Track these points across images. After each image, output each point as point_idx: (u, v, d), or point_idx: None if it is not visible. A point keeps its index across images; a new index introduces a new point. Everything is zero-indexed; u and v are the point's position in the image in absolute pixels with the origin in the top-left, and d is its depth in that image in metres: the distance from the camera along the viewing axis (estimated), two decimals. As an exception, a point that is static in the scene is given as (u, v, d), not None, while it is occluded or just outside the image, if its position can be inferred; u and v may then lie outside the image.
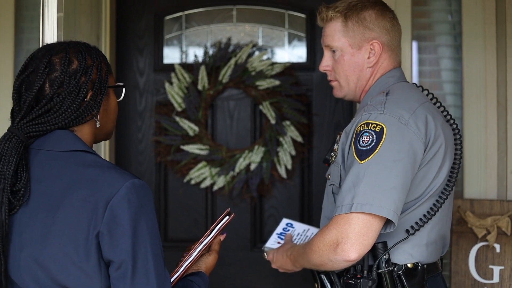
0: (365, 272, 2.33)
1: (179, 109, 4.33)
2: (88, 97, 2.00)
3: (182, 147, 4.32)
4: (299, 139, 4.30)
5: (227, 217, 2.19)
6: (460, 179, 3.96)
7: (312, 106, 4.39)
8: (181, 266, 2.12)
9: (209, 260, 2.24)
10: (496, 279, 3.55)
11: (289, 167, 4.31)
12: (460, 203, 3.70)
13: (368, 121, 2.28)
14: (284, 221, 2.93)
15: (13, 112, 1.99)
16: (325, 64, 2.59)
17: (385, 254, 2.32)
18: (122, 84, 2.17)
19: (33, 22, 4.01)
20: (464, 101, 3.93)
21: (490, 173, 3.88)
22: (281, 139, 4.28)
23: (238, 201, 4.37)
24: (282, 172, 4.30)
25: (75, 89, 1.96)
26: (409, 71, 3.95)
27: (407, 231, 2.34)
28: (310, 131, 4.37)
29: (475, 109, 3.90)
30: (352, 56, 2.52)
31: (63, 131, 1.97)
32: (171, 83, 4.34)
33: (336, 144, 2.51)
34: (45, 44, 2.09)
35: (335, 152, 2.49)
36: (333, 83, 2.61)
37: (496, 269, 3.56)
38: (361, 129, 2.28)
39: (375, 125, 2.26)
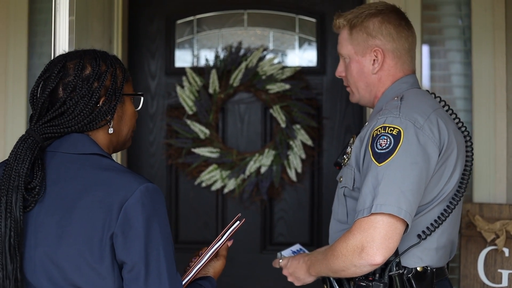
0: (377, 275, 2.34)
1: (190, 112, 4.35)
2: (101, 102, 2.03)
3: (193, 150, 4.34)
4: (309, 142, 4.31)
5: (238, 222, 2.21)
6: (470, 183, 3.96)
7: (322, 110, 4.40)
8: (192, 270, 2.14)
9: (217, 265, 2.26)
10: (505, 283, 3.55)
11: (299, 170, 4.32)
12: (469, 207, 3.70)
13: (384, 125, 2.32)
14: (297, 246, 2.91)
15: (31, 116, 2.04)
16: (340, 70, 2.67)
17: (397, 258, 2.34)
18: (140, 93, 2.20)
19: (46, 25, 4.04)
20: (473, 106, 3.93)
21: (499, 177, 3.88)
22: (291, 142, 4.30)
23: (248, 204, 4.38)
24: (292, 175, 4.32)
25: (88, 93, 2.00)
26: (420, 76, 3.96)
27: (419, 236, 2.37)
28: (320, 134, 4.38)
29: (485, 113, 3.91)
30: (358, 63, 2.58)
31: (79, 134, 2.01)
32: (182, 87, 4.36)
33: (349, 147, 2.54)
34: (64, 52, 2.14)
35: (348, 155, 2.52)
36: (348, 89, 2.69)
37: (505, 273, 3.56)
38: (378, 133, 2.31)
39: (392, 128, 2.29)
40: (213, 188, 4.37)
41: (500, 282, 3.56)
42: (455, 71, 4.10)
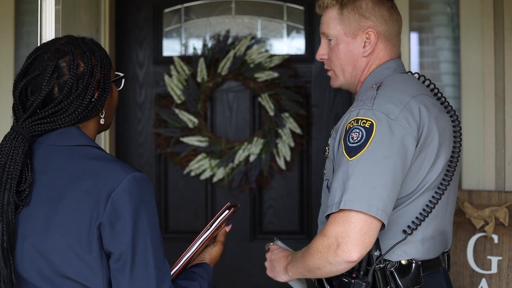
0: (361, 272, 2.25)
1: (178, 101, 4.34)
2: (95, 96, 2.01)
3: (181, 139, 4.34)
4: (298, 130, 4.31)
5: (227, 211, 2.20)
6: (459, 170, 3.97)
7: (310, 97, 4.40)
8: (181, 259, 2.13)
9: (214, 251, 2.24)
10: (494, 269, 3.56)
11: (288, 158, 4.32)
12: (458, 194, 3.70)
13: (357, 117, 2.23)
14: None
15: (15, 111, 1.99)
16: (321, 52, 2.54)
17: (376, 251, 2.24)
18: (122, 75, 2.17)
19: (33, 15, 4.01)
20: (462, 93, 3.94)
21: (488, 164, 3.89)
22: (280, 131, 4.30)
23: (238, 193, 4.38)
24: (281, 163, 4.32)
25: (83, 91, 1.98)
26: (408, 63, 3.96)
27: (404, 231, 2.28)
28: (309, 122, 4.38)
29: (473, 100, 3.91)
30: (347, 45, 2.45)
31: (67, 127, 1.99)
32: (170, 76, 4.35)
33: (330, 139, 2.46)
34: (46, 42, 2.07)
35: (328, 147, 2.44)
36: (329, 73, 2.56)
37: (494, 260, 3.57)
38: (351, 126, 2.23)
39: (365, 121, 2.20)
40: (202, 177, 4.37)
41: (490, 269, 3.57)
42: (444, 58, 4.11)
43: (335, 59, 2.49)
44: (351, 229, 2.10)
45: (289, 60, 4.36)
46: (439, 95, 2.45)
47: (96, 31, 4.08)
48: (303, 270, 2.32)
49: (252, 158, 4.29)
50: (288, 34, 4.43)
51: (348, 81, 2.51)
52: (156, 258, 1.90)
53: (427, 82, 2.47)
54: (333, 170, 2.30)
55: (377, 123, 2.18)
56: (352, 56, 2.46)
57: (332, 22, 2.47)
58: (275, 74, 4.29)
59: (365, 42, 2.43)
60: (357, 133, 2.19)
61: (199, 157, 4.34)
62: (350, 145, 2.18)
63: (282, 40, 4.44)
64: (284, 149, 4.31)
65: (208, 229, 2.18)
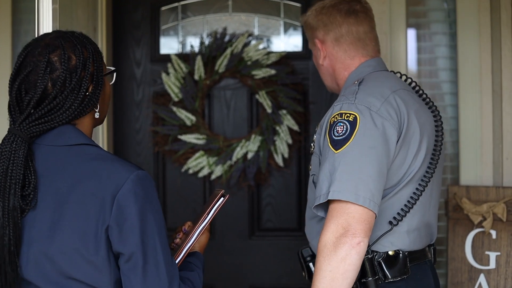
0: None
1: (176, 99, 4.34)
2: (90, 90, 2.00)
3: (179, 137, 4.33)
4: (296, 127, 4.31)
5: (222, 198, 2.20)
6: (456, 166, 3.98)
7: (308, 94, 4.40)
8: (181, 251, 2.15)
9: (202, 239, 2.27)
10: (492, 265, 3.57)
11: (286, 155, 4.32)
12: (456, 189, 3.72)
13: (341, 111, 2.34)
14: None
15: (11, 113, 1.98)
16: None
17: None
18: (113, 69, 2.16)
19: (31, 13, 4.01)
20: (459, 89, 3.94)
21: (485, 160, 3.89)
22: (277, 128, 4.30)
23: (236, 190, 4.38)
24: (279, 160, 4.32)
25: (77, 85, 1.96)
26: (404, 59, 3.97)
27: (390, 222, 2.37)
28: (306, 119, 4.38)
29: (471, 96, 3.91)
30: (314, 56, 2.72)
31: (63, 126, 1.97)
32: (167, 74, 4.35)
33: (315, 135, 2.55)
34: (36, 38, 2.06)
35: (314, 143, 2.54)
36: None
37: (493, 255, 3.58)
38: (335, 120, 2.33)
39: (348, 115, 2.31)
40: (200, 174, 4.37)
41: (488, 264, 3.58)
42: (441, 54, 4.11)
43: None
44: (350, 218, 2.19)
45: (287, 57, 4.35)
46: (421, 92, 2.57)
47: (93, 29, 4.08)
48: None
49: (250, 155, 4.29)
50: (285, 31, 4.43)
51: (329, 85, 2.75)
52: (165, 254, 1.92)
53: (409, 80, 2.59)
54: (319, 164, 2.38)
55: (360, 116, 2.29)
56: (318, 65, 2.71)
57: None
58: (273, 71, 4.29)
59: (319, 50, 2.66)
60: (342, 127, 2.29)
61: (197, 154, 4.34)
62: (335, 138, 2.29)
63: (279, 37, 4.44)
64: (282, 146, 4.31)
65: (206, 218, 2.19)
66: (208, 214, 2.19)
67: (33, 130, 1.94)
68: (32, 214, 1.90)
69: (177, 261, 2.11)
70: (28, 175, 1.90)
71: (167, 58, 4.40)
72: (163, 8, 4.46)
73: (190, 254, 2.19)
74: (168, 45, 4.48)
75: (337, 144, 2.27)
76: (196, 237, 2.17)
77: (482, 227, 3.60)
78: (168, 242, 1.96)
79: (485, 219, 3.59)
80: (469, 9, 3.91)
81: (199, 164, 4.35)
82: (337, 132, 2.29)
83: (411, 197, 2.40)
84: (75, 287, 1.90)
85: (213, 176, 4.35)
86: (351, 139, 2.25)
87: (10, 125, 1.97)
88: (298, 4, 4.40)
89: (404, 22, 3.96)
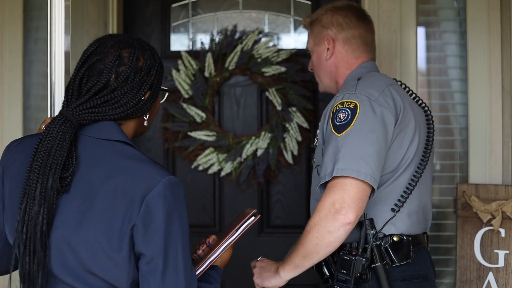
0: (360, 250, 2.54)
1: (186, 96, 4.35)
2: (146, 96, 2.04)
3: (189, 133, 4.35)
4: (305, 125, 4.32)
5: (253, 217, 2.22)
6: (465, 164, 3.98)
7: (317, 92, 4.39)
8: (203, 263, 2.16)
9: (225, 255, 2.29)
10: (501, 263, 3.57)
11: (295, 153, 4.33)
12: (465, 188, 3.72)
13: (343, 101, 2.56)
14: None
15: (68, 96, 2.01)
16: (310, 65, 3.03)
17: (372, 230, 2.56)
18: (170, 89, 2.21)
19: (42, 10, 4.02)
20: (469, 87, 3.94)
21: (495, 158, 3.89)
22: (287, 125, 4.31)
23: (245, 187, 4.39)
24: (289, 158, 4.33)
25: (137, 85, 2.01)
26: (414, 57, 3.97)
27: (393, 209, 2.60)
28: (316, 117, 4.38)
29: (480, 94, 3.92)
30: (317, 53, 2.93)
31: (109, 121, 2.00)
32: (178, 70, 4.36)
33: (317, 130, 2.76)
34: (111, 34, 2.13)
35: (316, 137, 2.74)
36: (317, 80, 3.04)
37: (501, 254, 3.58)
38: (337, 108, 2.55)
39: (349, 103, 2.53)
40: (210, 171, 4.38)
41: (497, 263, 3.58)
42: (451, 53, 4.11)
43: (314, 67, 2.99)
44: (346, 195, 2.40)
45: (296, 55, 4.36)
46: (410, 92, 2.82)
47: (104, 26, 4.09)
48: (299, 260, 2.58)
49: (259, 153, 4.30)
50: (295, 28, 4.43)
51: (327, 84, 2.99)
52: (186, 261, 1.94)
53: (399, 83, 2.82)
54: (323, 154, 2.57)
55: (360, 104, 2.52)
56: (321, 62, 2.92)
57: (308, 38, 3.00)
58: (283, 69, 4.30)
59: (327, 48, 2.88)
60: (344, 113, 2.52)
61: (207, 151, 4.35)
62: (338, 123, 2.50)
63: (289, 35, 4.45)
64: (291, 144, 4.32)
65: (234, 234, 2.21)
66: (236, 231, 2.21)
67: (84, 117, 1.96)
68: (61, 201, 1.92)
69: (197, 273, 2.12)
70: (70, 159, 1.92)
71: (177, 55, 4.41)
72: (174, 5, 4.47)
73: (210, 267, 2.21)
74: (179, 42, 4.49)
75: (340, 128, 2.48)
76: (220, 252, 2.20)
77: (491, 225, 3.60)
78: (190, 249, 1.98)
79: (494, 217, 3.59)
80: (479, 7, 3.91)
81: (209, 161, 4.36)
82: (339, 118, 2.51)
83: (409, 183, 2.63)
84: (91, 281, 1.92)
85: (222, 173, 4.36)
86: (352, 124, 2.47)
87: (62, 108, 2.00)
88: (308, 2, 4.41)
89: (414, 20, 3.96)
